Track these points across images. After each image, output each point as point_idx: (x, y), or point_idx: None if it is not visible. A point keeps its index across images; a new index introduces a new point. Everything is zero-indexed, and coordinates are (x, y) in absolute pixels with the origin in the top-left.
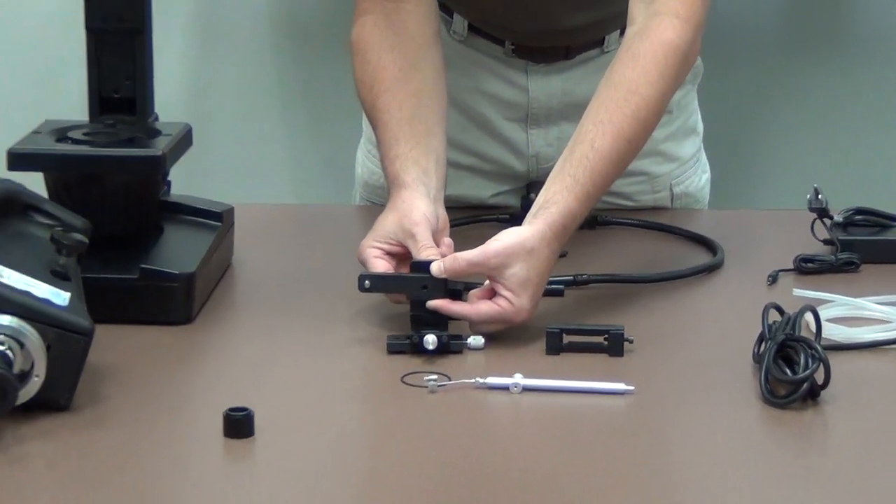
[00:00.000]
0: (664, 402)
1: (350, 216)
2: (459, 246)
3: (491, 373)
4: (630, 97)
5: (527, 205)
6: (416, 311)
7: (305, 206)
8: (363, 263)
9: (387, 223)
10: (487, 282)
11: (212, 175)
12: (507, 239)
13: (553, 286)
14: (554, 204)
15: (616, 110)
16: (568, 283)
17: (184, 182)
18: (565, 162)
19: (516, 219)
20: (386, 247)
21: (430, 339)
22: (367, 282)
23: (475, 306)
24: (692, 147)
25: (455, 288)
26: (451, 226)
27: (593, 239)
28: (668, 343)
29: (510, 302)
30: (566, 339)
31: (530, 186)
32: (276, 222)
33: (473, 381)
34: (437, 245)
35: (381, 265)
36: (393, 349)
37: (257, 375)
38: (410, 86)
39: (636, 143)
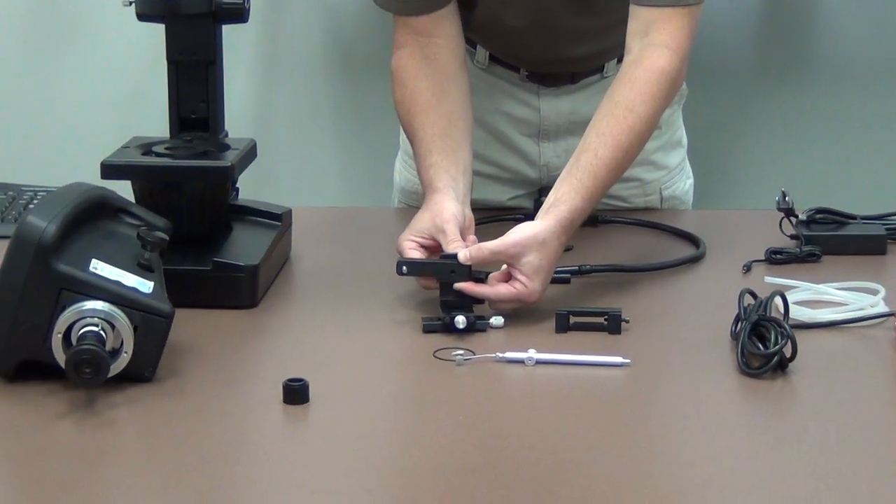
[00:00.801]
0: (656, 373)
1: (390, 217)
2: (482, 240)
3: (509, 348)
4: (628, 114)
5: (538, 206)
6: (446, 296)
7: (352, 209)
8: (400, 253)
9: (421, 221)
10: (505, 267)
11: (273, 182)
12: (522, 232)
13: (561, 275)
14: (563, 203)
15: (616, 125)
16: (573, 273)
17: (249, 188)
18: (572, 168)
19: (530, 218)
20: (420, 240)
21: (461, 320)
22: (404, 267)
23: (495, 288)
24: (678, 157)
25: (478, 277)
26: (476, 224)
27: (595, 235)
28: (658, 323)
29: (525, 285)
30: (572, 319)
31: (541, 191)
32: (328, 222)
33: (494, 355)
34: (464, 240)
35: (416, 255)
36: (427, 329)
37: (311, 351)
38: (442, 108)
39: (632, 152)
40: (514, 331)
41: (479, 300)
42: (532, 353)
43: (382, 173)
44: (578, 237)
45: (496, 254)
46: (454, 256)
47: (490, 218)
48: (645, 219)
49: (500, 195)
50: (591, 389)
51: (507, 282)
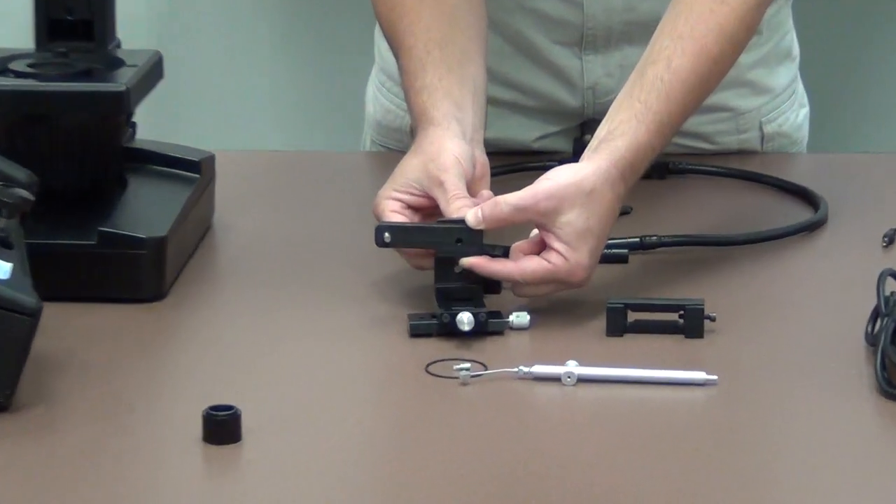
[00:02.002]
0: (755, 396)
1: (359, 165)
2: (500, 192)
3: (538, 359)
4: (716, 7)
5: (580, 149)
6: (445, 281)
7: (303, 154)
8: (378, 217)
9: (409, 169)
10: (535, 232)
11: (187, 116)
12: (560, 178)
13: (615, 250)
14: (620, 136)
15: (699, 22)
16: (633, 247)
17: (153, 125)
18: (634, 85)
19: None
20: (407, 197)
21: (466, 318)
22: (386, 234)
23: (520, 263)
24: (787, 75)
25: (492, 252)
26: (493, 174)
27: (664, 191)
28: (759, 321)
29: (564, 257)
30: (631, 316)
31: (585, 126)
32: (268, 173)
33: (516, 370)
34: (473, 196)
35: (401, 220)
36: (417, 331)
37: (245, 365)
38: (441, 2)
39: (722, 64)
40: (545, 333)
41: (494, 285)
42: (572, 367)
43: (348, 101)
44: (640, 193)
45: (521, 211)
46: (460, 221)
47: (509, 167)
48: (738, 167)
49: (525, 132)
50: (661, 420)
51: (537, 254)
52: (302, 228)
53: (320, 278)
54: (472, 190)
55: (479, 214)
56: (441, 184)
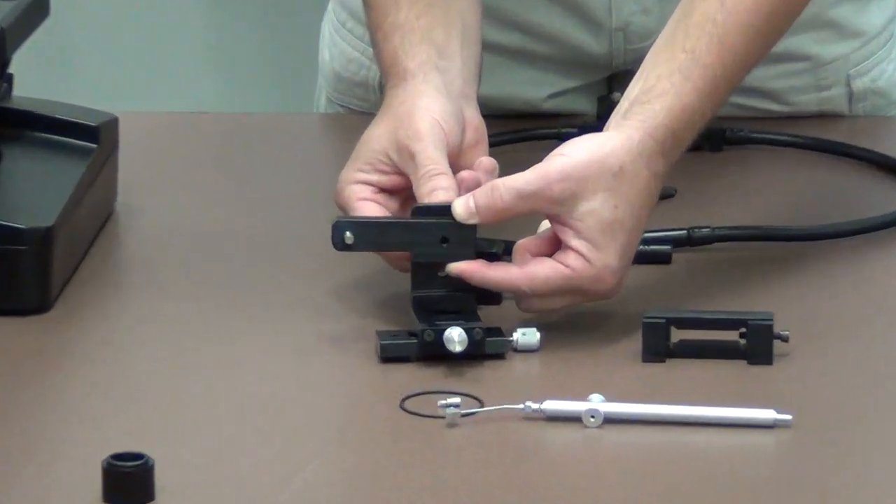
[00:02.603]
0: (840, 441)
1: (312, 131)
2: (500, 174)
3: (551, 393)
4: None
5: (607, 111)
6: (426, 288)
7: (237, 117)
8: (343, 208)
9: (376, 138)
10: (545, 225)
11: (83, 69)
12: (578, 153)
13: (653, 247)
14: (659, 96)
15: None
16: (678, 242)
17: (37, 80)
18: (677, 28)
19: (593, 129)
20: (378, 178)
21: (456, 336)
22: (347, 233)
23: (527, 269)
24: (882, 14)
25: (488, 251)
26: (490, 144)
27: (718, 167)
28: (844, 342)
29: (586, 258)
30: (675, 335)
31: (613, 81)
32: (190, 143)
33: (522, 406)
34: (469, 167)
35: (372, 211)
36: (388, 353)
37: (159, 400)
38: None
39: (792, 1)
40: (560, 356)
41: (492, 293)
42: (597, 403)
43: (297, 46)
44: (687, 171)
45: (527, 197)
46: (444, 209)
47: (510, 135)
48: (818, 136)
49: (534, 90)
50: (716, 474)
51: (549, 255)
52: (235, 216)
53: (260, 282)
54: (463, 162)
55: (471, 204)
56: (412, 156)
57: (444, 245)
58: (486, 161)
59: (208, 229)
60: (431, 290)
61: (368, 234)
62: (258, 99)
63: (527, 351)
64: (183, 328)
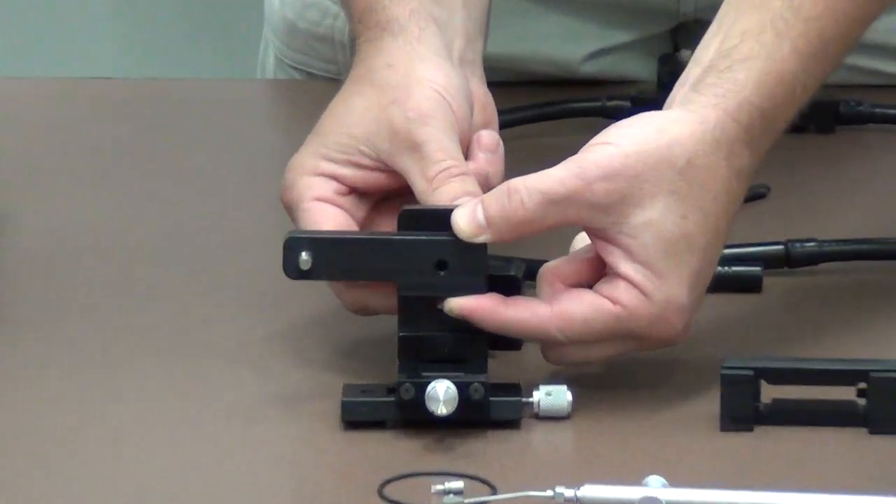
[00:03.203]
0: None
1: (255, 104)
2: (518, 172)
3: (590, 475)
4: None
5: (672, 77)
6: (414, 329)
7: (155, 84)
8: (291, 209)
9: (355, 116)
10: (583, 242)
11: None
12: (630, 141)
13: (737, 268)
14: (742, 60)
15: None
16: (772, 261)
17: None
18: None
19: (647, 106)
20: (350, 173)
21: (441, 394)
22: (303, 254)
23: (558, 305)
24: None
25: (503, 274)
26: (503, 124)
27: (829, 154)
28: None
29: (641, 290)
30: (767, 392)
31: (679, 35)
32: (84, 119)
33: (550, 494)
34: (471, 160)
35: (335, 220)
36: (354, 416)
37: (46, 465)
38: None
39: None
40: (602, 424)
41: (509, 342)
42: (657, 488)
43: None
44: (785, 161)
45: (556, 205)
46: (439, 216)
47: (535, 111)
48: None
49: (568, 45)
50: None
51: (589, 286)
52: (148, 222)
53: (183, 315)
54: (469, 151)
55: (479, 215)
56: (417, 147)
57: (441, 272)
58: (487, 137)
59: (109, 241)
60: (422, 330)
61: (334, 256)
62: (179, 59)
63: (554, 417)
64: (76, 370)
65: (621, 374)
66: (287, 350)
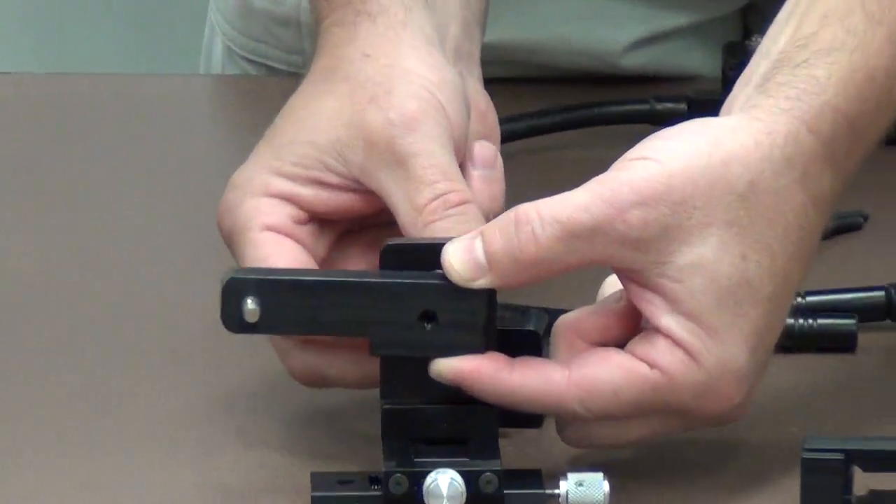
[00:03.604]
0: None
1: (198, 104)
2: (527, 191)
3: None
4: None
5: (739, 72)
6: (403, 400)
7: (66, 80)
8: (231, 239)
9: (316, 121)
10: (612, 286)
11: None
12: (676, 156)
13: (822, 321)
14: (822, 53)
15: None
16: (868, 312)
17: None
18: None
19: (708, 110)
20: (311, 194)
21: (444, 489)
22: (249, 301)
23: (580, 370)
24: None
25: (519, 328)
26: (517, 134)
27: None
28: None
29: (687, 351)
30: (863, 481)
31: (750, 16)
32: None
33: None
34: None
35: (290, 257)
36: None
37: None
38: None
39: None
40: None
41: (527, 418)
42: None
43: None
44: (883, 182)
45: (579, 239)
46: (426, 251)
47: (559, 118)
48: None
49: (606, 30)
50: None
51: (619, 346)
52: (66, 258)
53: (109, 381)
54: (463, 168)
55: (479, 252)
56: (402, 161)
57: (428, 325)
58: (483, 149)
59: (21, 280)
60: (416, 401)
61: (289, 304)
62: (105, 51)
63: None
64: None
65: (670, 459)
66: (230, 425)
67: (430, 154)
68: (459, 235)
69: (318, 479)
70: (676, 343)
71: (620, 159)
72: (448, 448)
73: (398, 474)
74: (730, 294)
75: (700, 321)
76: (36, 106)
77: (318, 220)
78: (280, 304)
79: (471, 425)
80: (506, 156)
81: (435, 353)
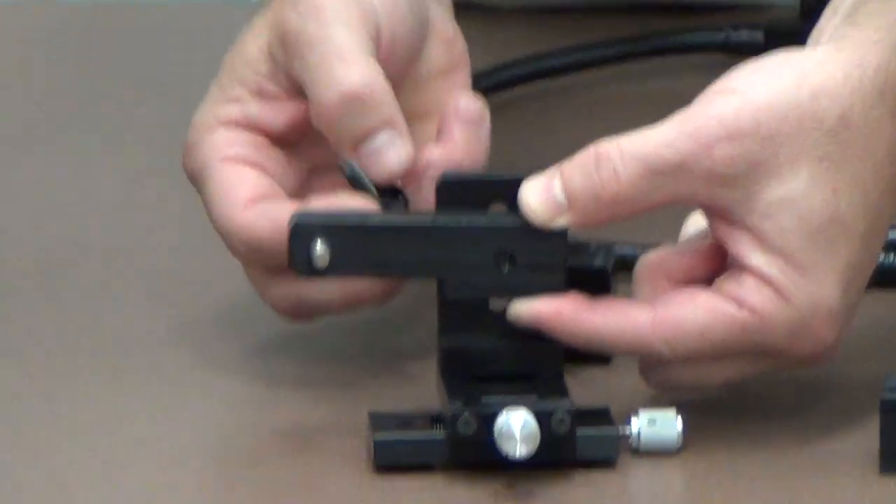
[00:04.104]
0: None
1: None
2: (599, 127)
3: None
4: None
5: (821, 2)
6: (461, 338)
7: (102, 8)
8: (195, 179)
9: (249, 45)
10: (696, 224)
11: None
12: (761, 89)
13: None
14: None
15: None
16: None
17: None
18: None
19: (787, 40)
20: (256, 110)
21: (517, 428)
22: (319, 245)
23: (664, 310)
24: None
25: (587, 266)
26: (577, 65)
27: None
28: None
29: (777, 290)
30: None
31: None
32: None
33: None
34: (442, 138)
35: (252, 183)
36: (389, 459)
37: None
38: None
39: None
40: (722, 462)
41: (595, 355)
42: None
43: None
44: None
45: (663, 175)
46: (503, 186)
47: (629, 48)
48: None
49: None
50: None
51: (706, 283)
52: (91, 192)
53: (137, 330)
54: (421, 105)
55: (557, 191)
56: (309, 47)
57: (505, 266)
58: (465, 104)
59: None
60: (476, 338)
61: (357, 247)
62: None
63: (659, 452)
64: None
65: (747, 398)
66: (280, 367)
67: (333, 40)
68: (376, 140)
69: (376, 420)
70: (765, 281)
71: (704, 92)
72: (511, 385)
73: (465, 414)
74: (821, 231)
75: (790, 259)
76: (84, 36)
77: (284, 145)
78: (349, 248)
79: (536, 362)
80: (573, 88)
81: (512, 295)
